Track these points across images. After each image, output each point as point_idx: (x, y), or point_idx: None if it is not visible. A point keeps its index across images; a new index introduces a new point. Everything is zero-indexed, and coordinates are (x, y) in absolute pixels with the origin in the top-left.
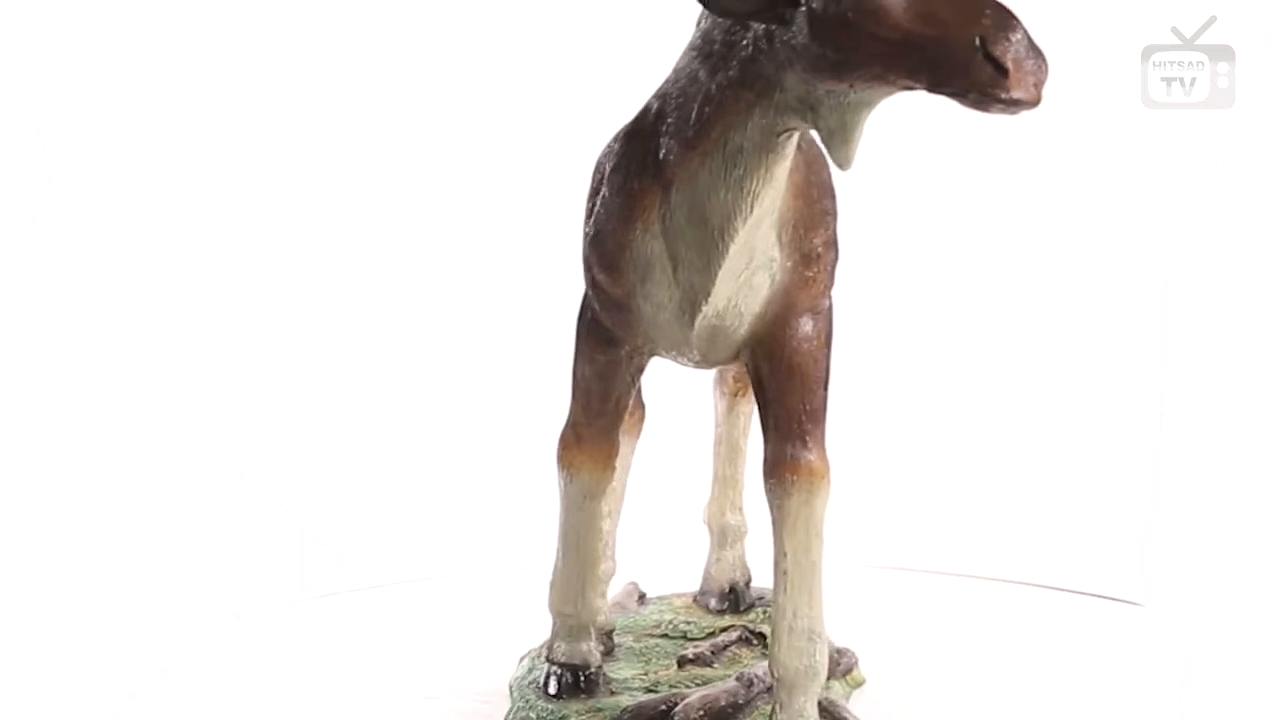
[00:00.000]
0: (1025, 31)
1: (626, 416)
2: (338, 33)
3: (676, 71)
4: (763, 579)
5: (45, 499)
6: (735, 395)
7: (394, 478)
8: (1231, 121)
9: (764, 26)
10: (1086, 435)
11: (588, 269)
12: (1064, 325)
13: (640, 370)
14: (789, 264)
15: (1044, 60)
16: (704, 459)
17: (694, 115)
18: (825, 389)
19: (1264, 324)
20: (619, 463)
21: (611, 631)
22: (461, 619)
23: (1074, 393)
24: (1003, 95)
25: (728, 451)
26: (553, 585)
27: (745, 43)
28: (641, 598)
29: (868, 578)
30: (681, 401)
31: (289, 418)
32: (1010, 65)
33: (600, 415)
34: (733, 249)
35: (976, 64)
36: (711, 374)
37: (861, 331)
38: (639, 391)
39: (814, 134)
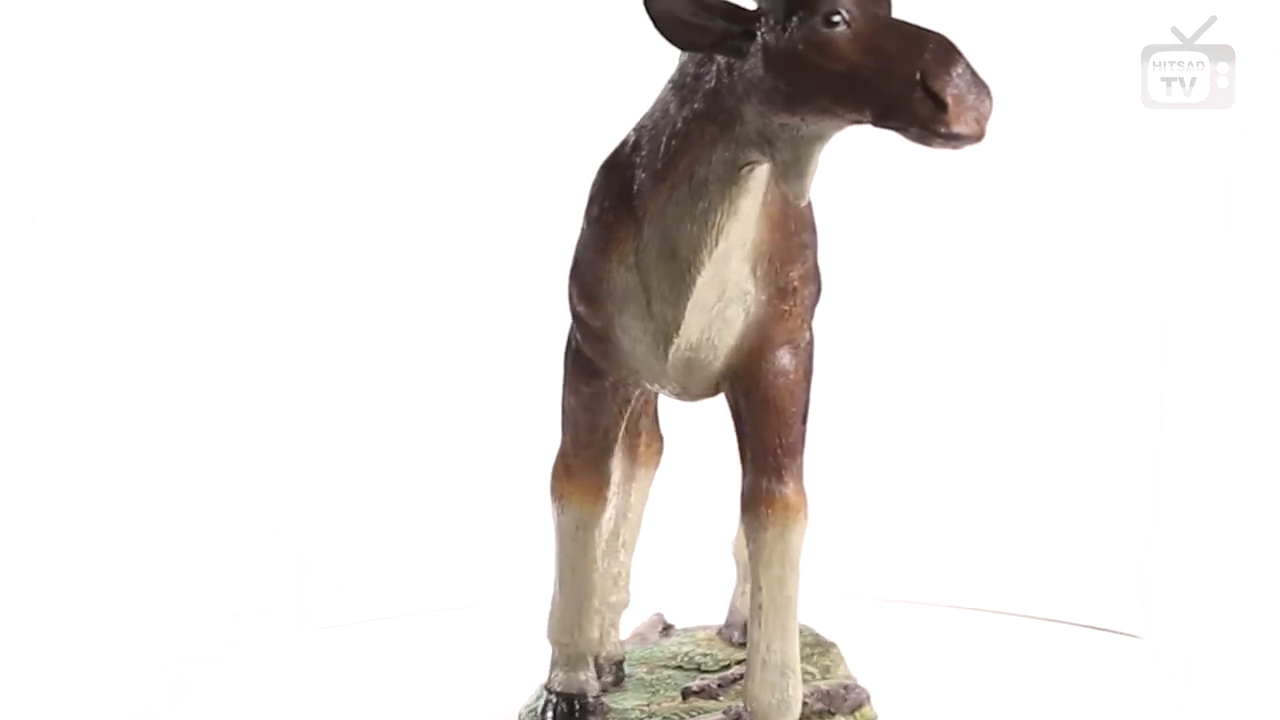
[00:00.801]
0: (968, 66)
1: (643, 448)
2: (341, 43)
3: (654, 105)
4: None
5: (45, 500)
6: None
7: (409, 509)
8: (1231, 121)
9: (725, 59)
10: (1086, 465)
11: (570, 300)
12: (1062, 331)
13: (627, 401)
14: (763, 297)
15: (987, 95)
16: (735, 491)
17: (663, 148)
18: (803, 423)
19: (1265, 328)
20: (636, 494)
21: (621, 661)
22: (480, 649)
23: (1072, 415)
24: (942, 130)
25: None
26: (551, 615)
27: (709, 76)
28: (666, 629)
29: (868, 612)
30: (714, 433)
31: (291, 449)
32: (950, 100)
33: (588, 446)
34: (700, 281)
35: (916, 99)
36: None
37: (855, 354)
38: (656, 423)
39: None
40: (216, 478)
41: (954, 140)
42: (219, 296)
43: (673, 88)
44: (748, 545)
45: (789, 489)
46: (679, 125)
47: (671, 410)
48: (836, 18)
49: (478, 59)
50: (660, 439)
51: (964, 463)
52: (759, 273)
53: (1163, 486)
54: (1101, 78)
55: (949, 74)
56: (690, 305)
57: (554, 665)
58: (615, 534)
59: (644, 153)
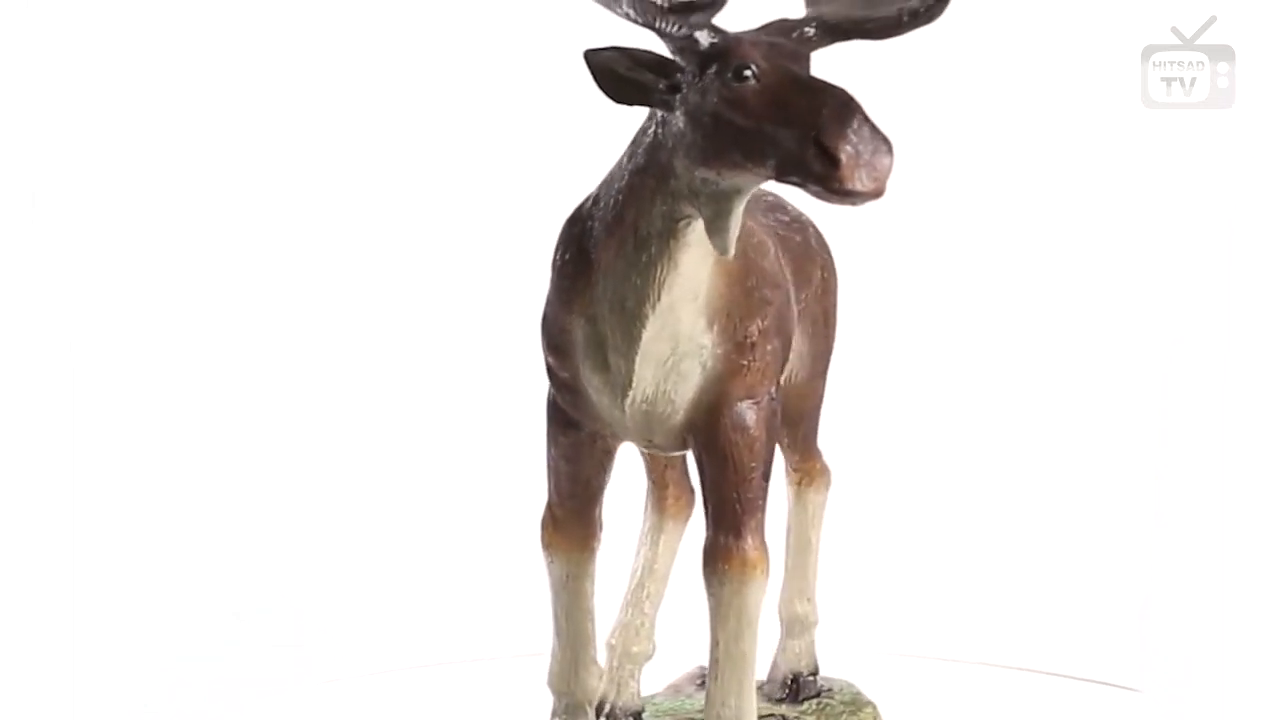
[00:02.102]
0: (866, 122)
1: (671, 501)
2: (338, 60)
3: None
4: (830, 669)
5: (45, 500)
6: (800, 485)
7: (413, 562)
8: (1231, 121)
9: (660, 113)
10: (1084, 515)
11: (542, 351)
12: (1061, 338)
13: (608, 452)
14: (720, 351)
15: (886, 151)
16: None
17: (613, 200)
18: (764, 479)
19: (1267, 331)
20: (664, 547)
21: (640, 713)
22: (485, 701)
23: (1070, 459)
24: (835, 187)
25: (796, 541)
26: (550, 664)
27: (650, 130)
28: (704, 682)
29: (868, 665)
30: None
31: (290, 500)
32: (842, 158)
33: (572, 497)
34: (645, 335)
35: (811, 155)
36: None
37: (854, 389)
38: (685, 475)
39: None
40: (216, 479)
41: (849, 197)
42: (233, 303)
43: (630, 143)
44: (707, 600)
45: (747, 545)
46: (625, 179)
47: None
48: (747, 72)
49: (479, 99)
50: (690, 492)
51: (963, 512)
52: (716, 327)
53: (1161, 543)
54: (1101, 78)
55: (843, 131)
56: (639, 358)
57: (554, 714)
58: (640, 586)
59: (600, 205)
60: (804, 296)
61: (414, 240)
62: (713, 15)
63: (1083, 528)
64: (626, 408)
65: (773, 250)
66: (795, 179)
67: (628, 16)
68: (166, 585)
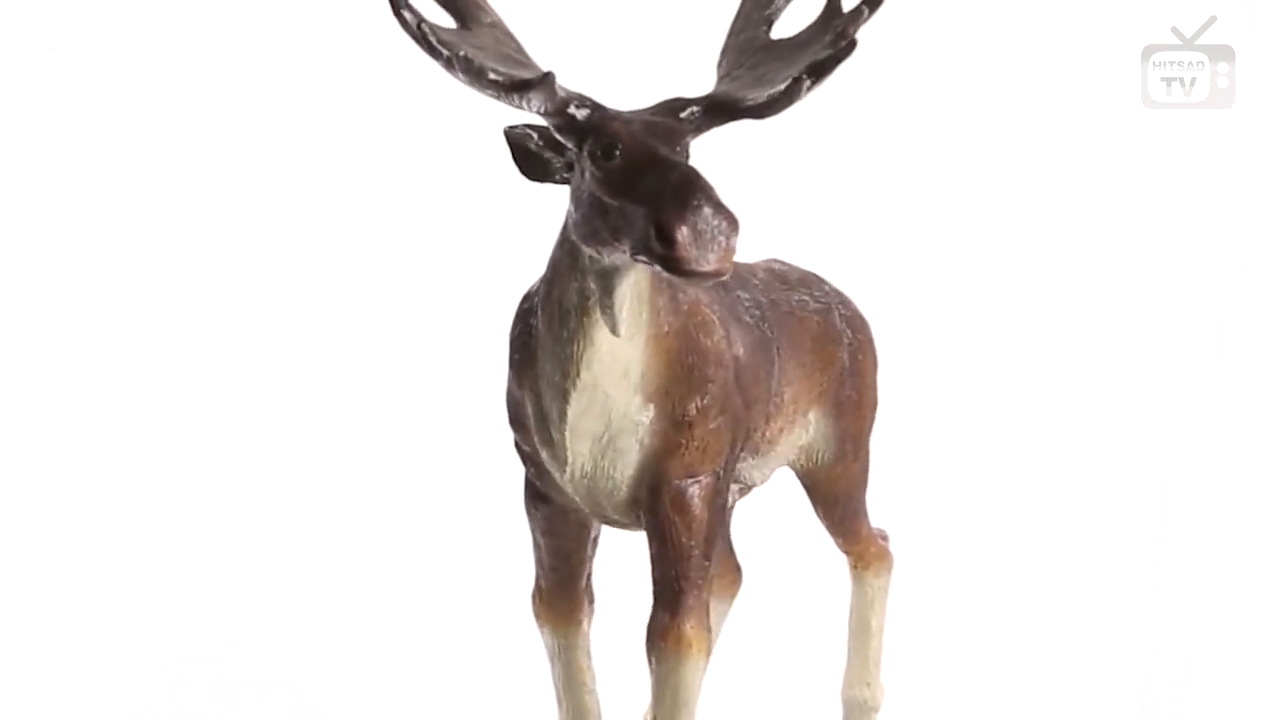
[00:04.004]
0: (708, 201)
1: (717, 578)
2: (319, 93)
3: None
4: None
5: (45, 500)
6: (856, 568)
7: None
8: (1231, 121)
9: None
10: (1084, 566)
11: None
12: (1062, 338)
13: (584, 527)
14: (657, 429)
15: (727, 231)
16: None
17: (545, 279)
18: (705, 558)
19: (1267, 333)
20: (710, 623)
21: None
22: None
23: (1067, 497)
24: (674, 268)
25: (857, 624)
26: None
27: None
28: None
29: None
30: (818, 569)
31: (291, 509)
32: (678, 238)
33: (555, 570)
34: (571, 411)
35: (650, 237)
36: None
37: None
38: (731, 552)
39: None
40: (217, 481)
41: (690, 277)
42: (239, 312)
43: None
44: (649, 676)
45: (685, 625)
46: (553, 255)
47: (770, 544)
48: (616, 150)
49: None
50: (736, 569)
51: (963, 568)
52: (654, 405)
53: (1163, 591)
54: (1101, 78)
55: (681, 214)
56: (569, 433)
57: None
58: None
59: (543, 282)
60: (825, 379)
61: (407, 305)
62: (548, 91)
63: (1082, 574)
64: (568, 482)
65: (719, 329)
66: (643, 259)
67: (485, 93)
68: (166, 585)
